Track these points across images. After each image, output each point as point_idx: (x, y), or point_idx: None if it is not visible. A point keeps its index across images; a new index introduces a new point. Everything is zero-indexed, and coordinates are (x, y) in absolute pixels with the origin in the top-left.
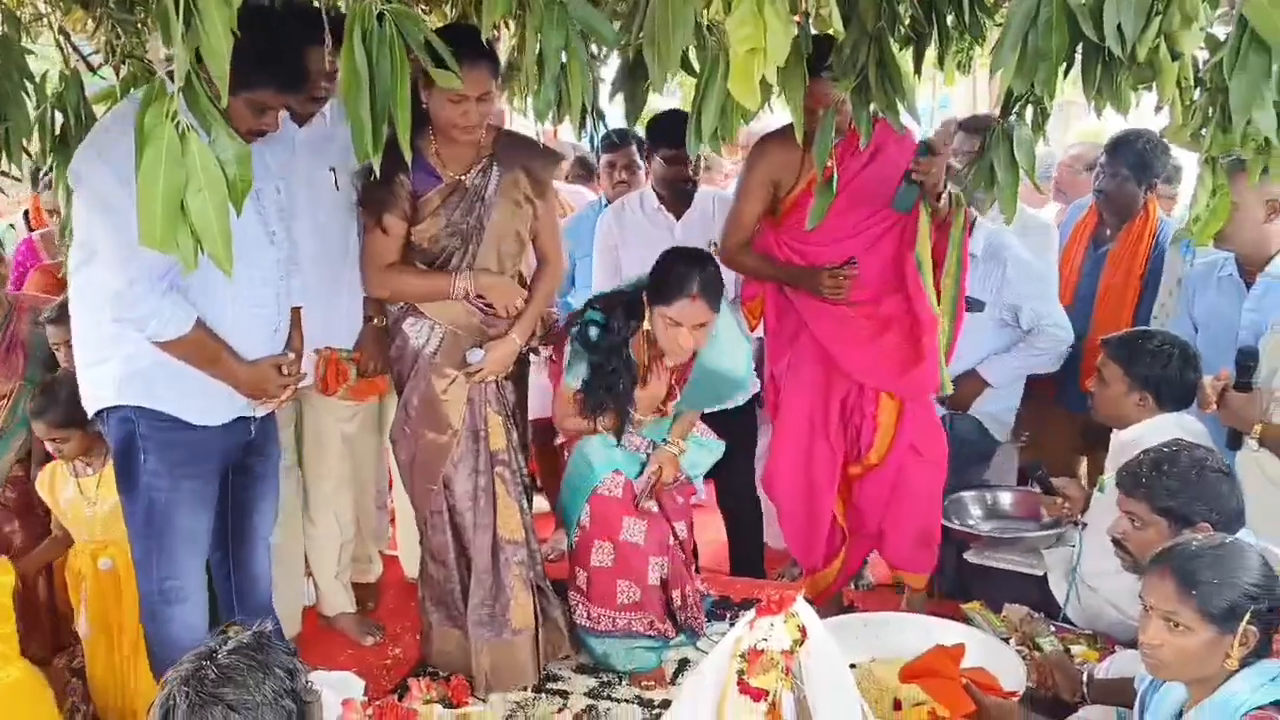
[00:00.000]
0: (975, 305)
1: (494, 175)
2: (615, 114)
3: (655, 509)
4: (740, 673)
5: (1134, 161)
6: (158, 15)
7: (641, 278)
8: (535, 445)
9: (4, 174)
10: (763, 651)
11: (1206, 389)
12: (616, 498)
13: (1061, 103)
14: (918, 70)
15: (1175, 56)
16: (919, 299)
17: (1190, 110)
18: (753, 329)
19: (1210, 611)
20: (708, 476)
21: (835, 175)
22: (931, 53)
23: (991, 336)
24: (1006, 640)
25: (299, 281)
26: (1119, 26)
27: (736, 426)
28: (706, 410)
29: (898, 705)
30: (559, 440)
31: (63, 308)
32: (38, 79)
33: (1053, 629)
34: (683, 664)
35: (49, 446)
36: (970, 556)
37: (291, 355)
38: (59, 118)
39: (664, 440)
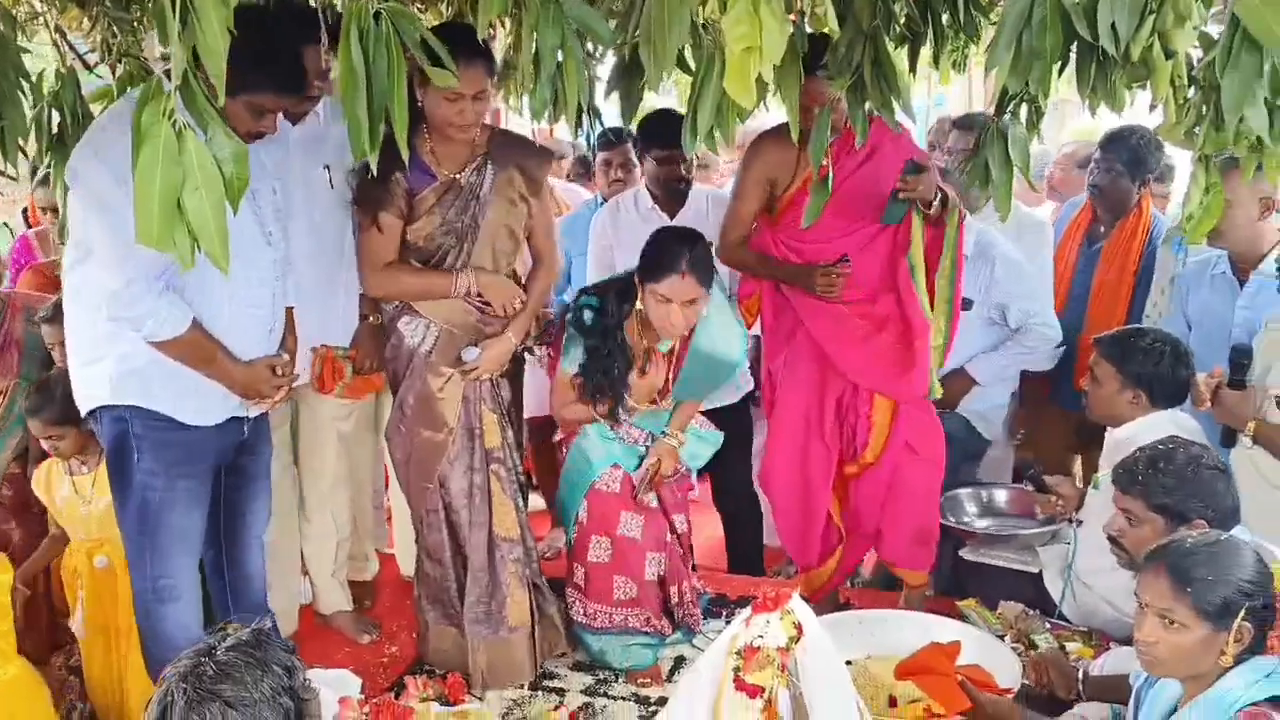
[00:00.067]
0: (964, 304)
1: (489, 173)
2: (611, 112)
3: (654, 503)
4: (736, 670)
5: (1128, 157)
6: (154, 14)
7: (633, 269)
8: (531, 443)
9: (1, 174)
10: (759, 648)
11: (1200, 386)
12: (614, 492)
13: (1056, 101)
14: (913, 69)
15: (1169, 55)
16: (911, 303)
17: (1184, 108)
18: (749, 326)
19: (1205, 608)
20: (704, 474)
21: (831, 174)
22: (927, 51)
23: (980, 335)
24: (1002, 637)
25: (294, 280)
26: (1113, 25)
27: (731, 425)
28: (704, 406)
29: (893, 702)
30: (557, 437)
31: (58, 307)
32: (34, 78)
33: (1048, 626)
34: (679, 661)
35: (45, 444)
36: (966, 554)
37: (285, 356)
38: (55, 117)
39: (663, 432)
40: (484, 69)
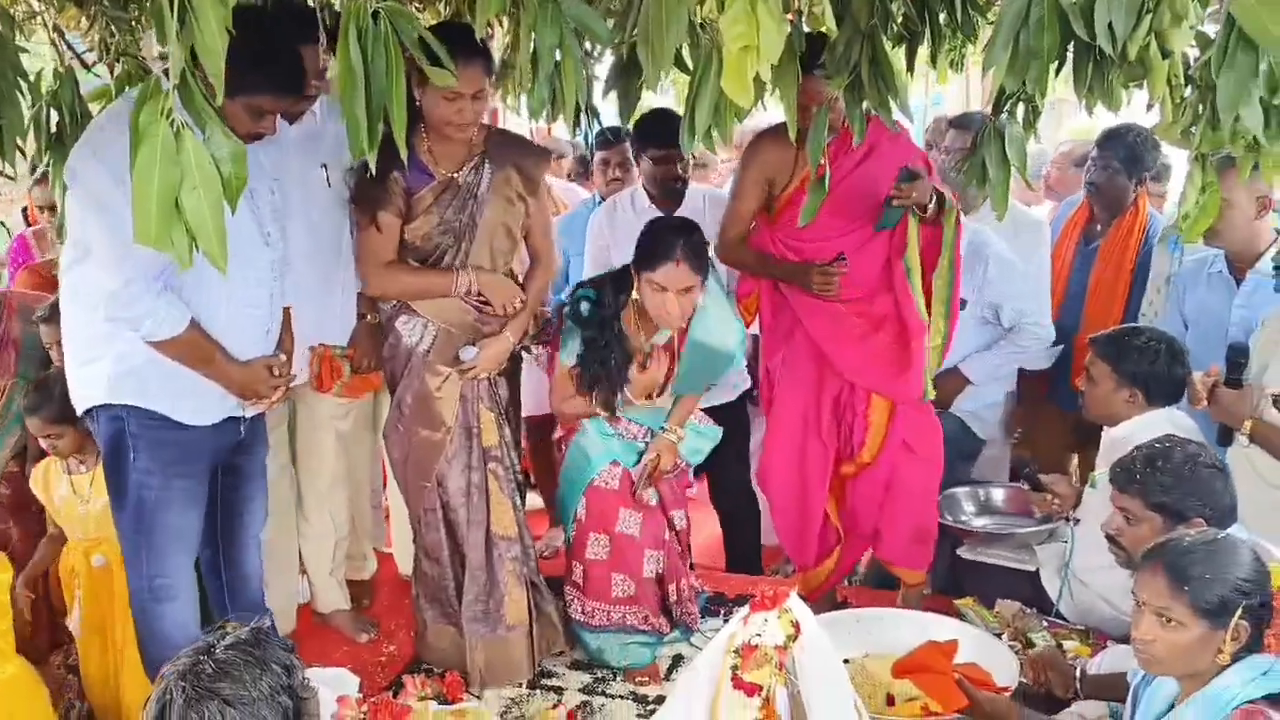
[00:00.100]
0: (959, 304)
1: (486, 172)
2: (609, 111)
3: (654, 500)
4: (734, 668)
5: (1125, 154)
6: (152, 13)
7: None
8: (529, 442)
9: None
10: (756, 647)
11: (1197, 385)
12: (613, 490)
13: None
14: (910, 68)
15: (1166, 55)
16: (907, 304)
17: (1180, 108)
18: (748, 325)
19: (1202, 607)
20: (701, 473)
21: (828, 173)
22: (924, 51)
23: (973, 334)
24: (999, 636)
25: (291, 280)
26: (1110, 25)
27: (729, 423)
28: (702, 404)
29: (891, 700)
30: (555, 435)
31: (55, 307)
32: (32, 77)
33: (1045, 624)
34: (677, 660)
35: (43, 443)
36: (963, 552)
37: (283, 356)
38: (54, 116)
39: (662, 428)
40: (482, 68)
